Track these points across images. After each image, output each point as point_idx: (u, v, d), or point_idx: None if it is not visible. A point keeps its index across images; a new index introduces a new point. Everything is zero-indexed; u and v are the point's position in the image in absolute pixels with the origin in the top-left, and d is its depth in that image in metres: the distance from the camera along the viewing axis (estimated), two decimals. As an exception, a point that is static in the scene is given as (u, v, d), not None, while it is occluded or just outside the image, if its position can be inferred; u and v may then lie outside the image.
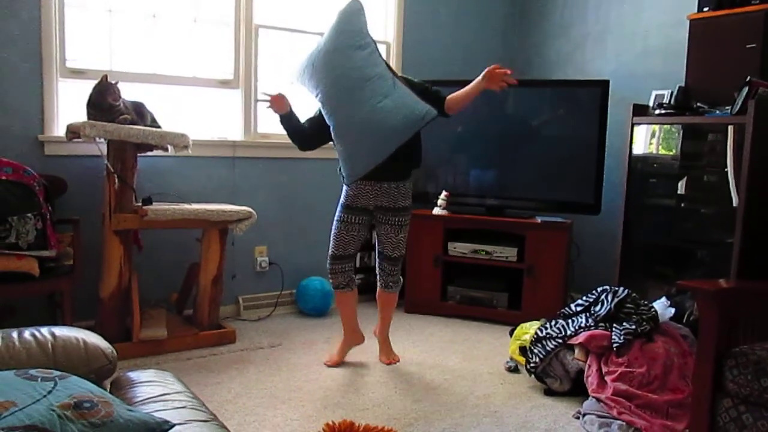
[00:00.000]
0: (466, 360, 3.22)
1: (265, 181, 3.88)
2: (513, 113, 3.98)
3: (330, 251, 3.00)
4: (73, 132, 2.89)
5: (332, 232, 2.99)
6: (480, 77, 2.78)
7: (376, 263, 3.09)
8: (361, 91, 2.69)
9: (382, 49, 4.29)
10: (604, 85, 3.72)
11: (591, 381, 2.66)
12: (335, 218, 2.98)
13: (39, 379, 1.17)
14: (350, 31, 2.74)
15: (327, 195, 3.71)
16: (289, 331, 3.57)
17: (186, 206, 3.18)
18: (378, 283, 3.11)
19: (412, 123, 2.68)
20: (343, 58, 2.71)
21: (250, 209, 3.30)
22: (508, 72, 2.76)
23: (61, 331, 1.46)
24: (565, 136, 3.86)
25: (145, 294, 3.21)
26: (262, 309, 3.91)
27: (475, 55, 4.58)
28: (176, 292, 3.51)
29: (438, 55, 4.42)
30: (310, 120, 2.96)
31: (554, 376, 2.80)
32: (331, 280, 3.05)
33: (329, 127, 2.80)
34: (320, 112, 2.87)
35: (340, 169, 2.91)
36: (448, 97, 2.83)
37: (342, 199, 2.97)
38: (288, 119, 2.92)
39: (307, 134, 2.95)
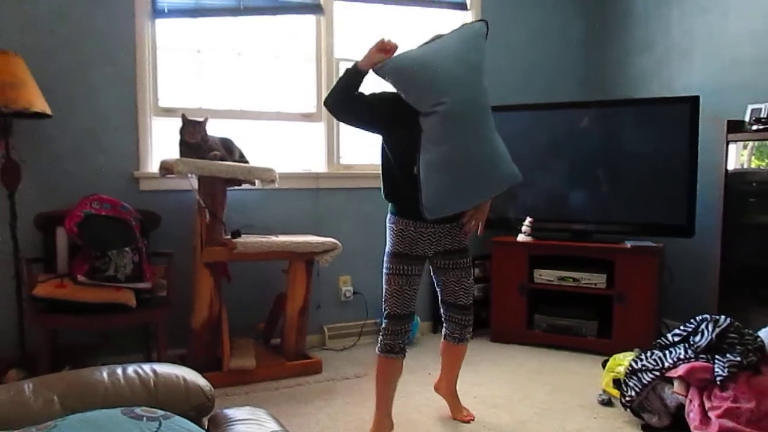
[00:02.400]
0: (556, 392, 3.09)
1: (348, 211, 3.91)
2: (597, 134, 3.85)
3: (389, 310, 2.50)
4: (166, 168, 3.02)
5: (389, 288, 2.49)
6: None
7: (444, 315, 2.67)
8: (488, 122, 2.38)
9: (460, 75, 4.30)
10: (693, 101, 3.55)
11: (693, 417, 2.49)
12: (390, 271, 2.49)
13: (144, 419, 1.19)
14: (482, 56, 2.41)
15: None
16: (374, 361, 3.54)
17: (273, 238, 3.25)
18: (445, 336, 2.70)
19: (511, 178, 2.43)
20: (479, 80, 2.37)
21: (335, 240, 3.33)
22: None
23: (162, 368, 1.49)
24: (652, 156, 3.69)
25: (233, 324, 3.28)
26: (347, 338, 3.92)
27: (553, 76, 4.49)
28: (263, 322, 3.57)
29: (514, 79, 4.36)
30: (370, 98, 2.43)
31: (652, 410, 2.64)
32: (384, 343, 2.52)
33: (377, 125, 2.42)
34: (378, 103, 2.41)
35: (395, 205, 2.50)
36: None
37: (395, 248, 2.48)
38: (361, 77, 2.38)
39: (360, 101, 2.40)
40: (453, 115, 2.27)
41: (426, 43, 2.44)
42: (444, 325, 2.69)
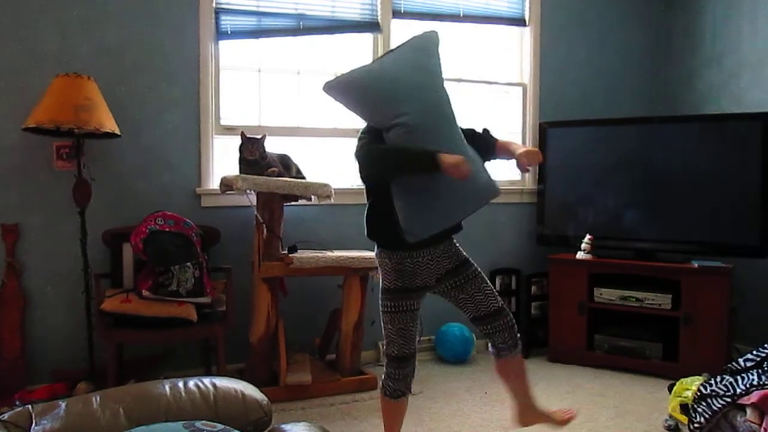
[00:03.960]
0: (619, 416, 2.99)
1: (402, 226, 3.91)
2: (662, 150, 3.73)
3: (393, 352, 2.29)
4: (226, 185, 3.09)
5: (393, 328, 2.28)
6: (519, 151, 2.22)
7: (486, 332, 2.36)
8: (453, 130, 2.16)
9: (517, 91, 4.27)
10: (765, 117, 3.41)
11: (769, 447, 2.36)
12: (391, 309, 2.28)
13: (205, 433, 1.21)
14: (438, 63, 2.24)
15: (463, 239, 3.63)
16: (429, 379, 3.52)
17: (328, 254, 3.27)
18: (498, 354, 2.37)
19: (490, 192, 2.18)
20: (439, 85, 2.19)
21: (389, 256, 3.32)
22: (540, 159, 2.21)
23: (221, 382, 1.52)
24: (721, 173, 3.55)
25: (290, 339, 3.32)
26: (401, 355, 3.89)
27: (616, 91, 4.40)
28: (319, 337, 3.59)
29: (577, 95, 4.29)
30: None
31: (724, 439, 2.52)
32: (393, 389, 2.32)
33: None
34: (372, 138, 2.20)
35: (379, 229, 2.27)
36: (498, 141, 2.34)
37: (393, 283, 2.26)
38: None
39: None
40: (416, 125, 2.07)
41: (378, 59, 2.30)
42: (491, 344, 2.39)
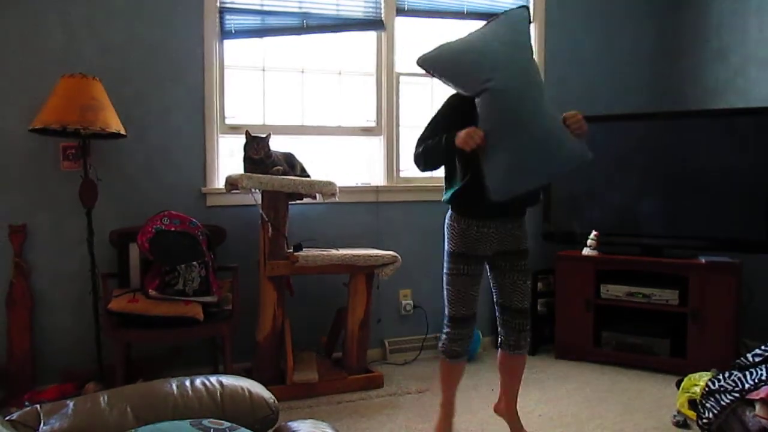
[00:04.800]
0: (628, 412, 2.98)
1: (408, 224, 3.91)
2: (668, 146, 3.71)
3: (454, 312, 2.44)
4: (231, 184, 3.09)
5: (453, 289, 2.44)
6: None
7: (499, 320, 2.53)
8: (544, 98, 2.26)
9: (522, 87, 4.25)
10: (773, 111, 3.39)
11: (778, 442, 2.35)
12: (452, 272, 2.44)
13: (211, 430, 1.22)
14: (528, 37, 2.37)
15: None
16: (435, 376, 3.50)
17: (334, 252, 3.28)
18: (501, 346, 2.54)
19: (580, 155, 2.27)
20: (529, 57, 2.32)
21: (395, 254, 3.33)
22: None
23: (228, 380, 1.52)
24: (728, 168, 3.53)
25: (296, 337, 3.32)
26: (408, 353, 3.90)
27: (623, 87, 4.38)
28: (325, 335, 3.60)
29: (582, 91, 4.27)
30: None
31: (732, 435, 2.51)
32: (450, 349, 2.48)
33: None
34: (435, 126, 2.39)
35: (457, 195, 2.39)
36: None
37: (456, 248, 2.42)
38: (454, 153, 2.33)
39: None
40: (504, 90, 2.18)
41: (467, 35, 2.42)
42: (499, 332, 2.55)
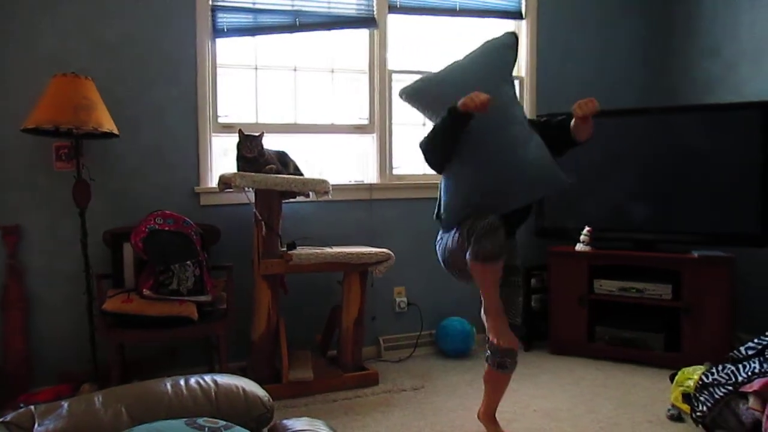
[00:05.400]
0: (622, 406, 3.00)
1: (401, 222, 3.92)
2: (661, 141, 3.73)
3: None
4: (224, 183, 3.09)
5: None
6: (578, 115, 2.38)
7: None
8: (510, 125, 2.34)
9: (515, 84, 4.26)
10: (764, 106, 3.41)
11: (771, 435, 2.37)
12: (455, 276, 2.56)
13: (206, 429, 1.22)
14: (502, 63, 2.46)
15: None
16: (430, 373, 3.53)
17: (327, 250, 3.28)
18: (487, 362, 2.55)
19: (554, 181, 2.33)
20: (493, 86, 2.34)
21: (388, 251, 3.34)
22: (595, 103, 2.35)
23: (223, 379, 1.52)
24: (721, 163, 3.55)
25: (291, 336, 3.32)
26: (403, 350, 3.91)
27: (615, 83, 4.39)
28: (320, 333, 3.60)
29: (574, 87, 4.28)
30: None
31: (726, 427, 2.53)
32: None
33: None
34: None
35: (442, 214, 2.47)
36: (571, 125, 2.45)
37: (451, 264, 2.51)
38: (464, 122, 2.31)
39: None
40: (478, 118, 2.25)
41: (453, 62, 2.52)
42: (487, 346, 2.52)
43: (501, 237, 2.22)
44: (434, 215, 2.54)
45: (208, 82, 3.49)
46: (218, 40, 3.54)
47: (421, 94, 2.46)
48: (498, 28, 4.18)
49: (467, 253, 2.27)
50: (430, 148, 2.40)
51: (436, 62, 3.99)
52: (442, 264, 2.55)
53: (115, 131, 3.03)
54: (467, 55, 2.50)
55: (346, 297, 3.34)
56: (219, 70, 3.57)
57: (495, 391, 2.63)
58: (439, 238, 2.55)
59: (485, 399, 2.67)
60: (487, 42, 2.51)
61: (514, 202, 2.36)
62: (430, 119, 2.43)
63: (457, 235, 2.37)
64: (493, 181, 2.30)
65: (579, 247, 3.80)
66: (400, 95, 2.51)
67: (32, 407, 1.37)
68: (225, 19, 3.52)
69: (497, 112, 2.29)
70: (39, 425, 1.30)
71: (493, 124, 2.31)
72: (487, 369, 2.57)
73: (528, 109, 4.22)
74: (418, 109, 2.51)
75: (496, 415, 2.69)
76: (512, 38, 2.49)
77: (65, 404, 1.38)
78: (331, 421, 1.69)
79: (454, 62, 2.50)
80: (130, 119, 3.30)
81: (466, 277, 2.45)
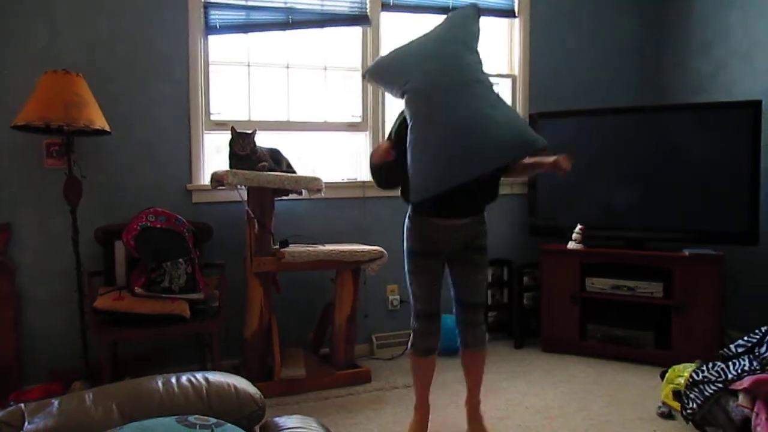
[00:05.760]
0: (613, 404, 3.01)
1: (394, 219, 3.90)
2: (652, 140, 3.74)
3: (419, 308, 2.50)
4: (217, 180, 3.08)
5: (416, 287, 2.50)
6: (550, 161, 2.37)
7: (457, 318, 2.55)
8: (468, 88, 2.19)
9: (507, 82, 4.27)
10: (755, 105, 3.43)
11: (760, 431, 2.38)
12: (411, 270, 2.50)
13: (197, 427, 1.21)
14: (465, 32, 2.34)
15: None
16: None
17: (320, 247, 3.28)
18: (461, 343, 2.57)
19: (520, 144, 2.18)
20: (454, 51, 2.26)
21: (381, 249, 3.34)
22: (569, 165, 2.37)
23: (214, 377, 1.52)
24: (711, 161, 3.57)
25: (283, 334, 3.32)
26: (395, 347, 3.91)
27: (607, 82, 4.41)
28: (312, 331, 3.60)
29: (567, 86, 4.30)
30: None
31: (716, 424, 2.55)
32: (419, 343, 2.53)
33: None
34: (395, 136, 2.39)
35: (404, 190, 2.42)
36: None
37: (414, 246, 2.48)
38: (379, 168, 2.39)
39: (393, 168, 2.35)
40: (419, 89, 2.22)
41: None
42: (458, 330, 2.57)
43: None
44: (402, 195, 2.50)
45: (201, 79, 3.48)
46: (210, 37, 3.52)
47: (384, 70, 2.39)
48: (491, 26, 4.19)
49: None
50: (375, 182, 2.48)
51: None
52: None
53: (107, 128, 3.02)
54: (430, 30, 2.42)
55: (339, 295, 3.34)
56: (211, 67, 3.55)
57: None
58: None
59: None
60: (449, 15, 2.43)
61: (486, 163, 2.19)
62: (394, 95, 2.35)
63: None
64: (459, 142, 2.15)
65: (571, 245, 3.82)
66: (364, 76, 2.47)
67: (22, 405, 1.36)
68: (217, 16, 3.51)
69: (458, 73, 2.22)
70: (29, 423, 1.29)
71: (454, 87, 2.20)
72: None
73: (521, 106, 4.23)
74: (383, 87, 2.44)
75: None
76: (474, 9, 2.40)
77: (56, 402, 1.37)
78: (323, 419, 1.70)
79: (417, 37, 2.41)
80: (122, 116, 3.29)
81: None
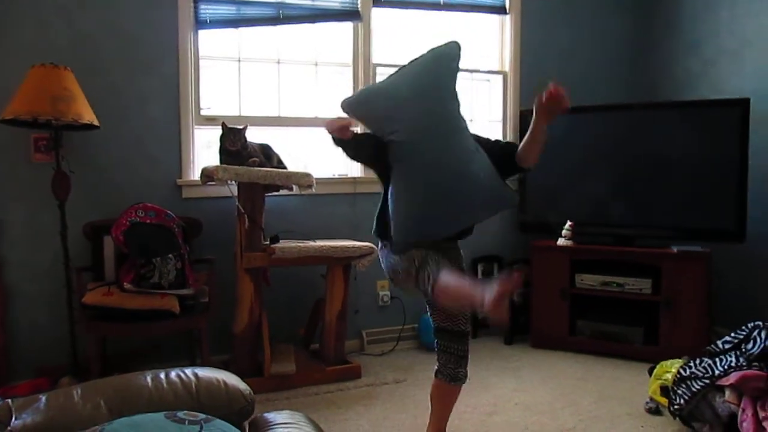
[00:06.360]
0: (602, 400, 3.03)
1: (385, 215, 3.92)
2: (641, 137, 3.76)
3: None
4: (207, 176, 3.07)
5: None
6: (534, 115, 2.26)
7: (438, 346, 2.38)
8: (453, 140, 2.17)
9: (498, 79, 4.28)
10: (743, 103, 3.45)
11: (746, 427, 2.40)
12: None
13: (186, 422, 1.21)
14: (448, 74, 2.27)
15: None
16: (412, 366, 3.55)
17: (311, 243, 3.27)
18: (437, 373, 2.39)
19: (499, 200, 2.21)
20: (438, 100, 2.22)
21: (371, 245, 3.33)
22: (558, 92, 2.22)
23: (204, 372, 1.51)
24: (700, 159, 3.59)
25: (273, 329, 3.31)
26: (385, 343, 3.92)
27: (598, 79, 4.42)
28: (303, 327, 3.60)
29: (558, 83, 4.30)
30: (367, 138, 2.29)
31: (703, 420, 2.56)
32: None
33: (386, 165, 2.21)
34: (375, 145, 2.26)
35: (382, 233, 2.30)
36: (519, 148, 2.29)
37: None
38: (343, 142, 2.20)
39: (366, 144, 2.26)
40: (406, 142, 2.13)
41: (395, 72, 2.33)
42: (437, 358, 2.39)
43: (447, 263, 2.14)
44: (373, 230, 2.38)
45: (191, 74, 3.46)
46: (201, 32, 3.50)
47: (357, 107, 2.30)
48: (482, 22, 4.20)
49: (419, 285, 2.14)
50: (350, 155, 2.28)
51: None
52: (386, 275, 2.39)
53: (96, 123, 2.99)
54: (411, 64, 2.31)
55: (330, 291, 3.34)
56: (202, 62, 3.53)
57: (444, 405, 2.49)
58: (381, 246, 2.39)
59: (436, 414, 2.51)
60: (432, 51, 2.32)
61: (466, 221, 2.22)
62: (373, 132, 2.26)
63: (403, 263, 2.20)
64: (444, 200, 2.13)
65: (561, 241, 3.83)
66: (342, 106, 2.33)
67: (9, 401, 1.35)
68: (208, 11, 3.49)
69: (443, 127, 2.18)
70: (16, 419, 1.28)
71: (440, 141, 2.16)
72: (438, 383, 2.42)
73: (512, 103, 4.24)
74: (361, 124, 2.36)
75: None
76: (457, 48, 2.31)
77: (43, 398, 1.36)
78: (313, 415, 1.70)
79: (397, 72, 2.31)
80: (111, 111, 3.26)
81: (412, 293, 2.32)
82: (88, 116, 2.95)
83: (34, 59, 2.99)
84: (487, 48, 4.27)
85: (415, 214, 2.14)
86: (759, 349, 2.57)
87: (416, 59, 2.30)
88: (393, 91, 2.24)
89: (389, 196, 2.19)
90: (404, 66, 2.31)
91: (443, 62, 2.28)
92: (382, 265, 2.37)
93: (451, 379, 2.34)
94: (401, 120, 2.15)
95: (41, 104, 2.81)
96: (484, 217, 2.24)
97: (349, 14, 3.80)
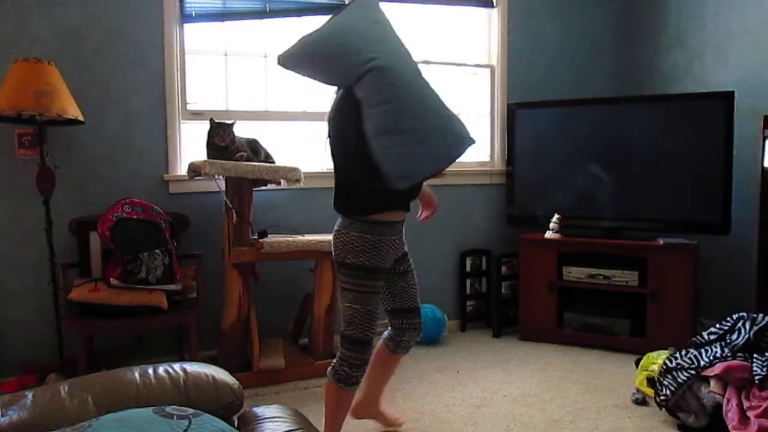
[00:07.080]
0: (588, 391, 3.05)
1: (373, 210, 3.91)
2: (627, 130, 3.79)
3: (358, 335, 2.18)
4: (194, 170, 3.05)
5: (360, 309, 2.17)
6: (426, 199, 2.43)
7: (403, 324, 2.38)
8: (422, 73, 2.08)
9: (485, 72, 4.28)
10: (728, 96, 3.48)
11: (731, 417, 2.44)
12: (363, 289, 2.16)
13: (174, 417, 1.21)
14: (384, 15, 2.18)
15: (432, 221, 3.55)
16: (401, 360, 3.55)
17: (299, 238, 3.27)
18: (391, 348, 2.42)
19: (469, 136, 2.08)
20: (392, 33, 2.13)
21: (360, 239, 3.33)
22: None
23: (192, 368, 1.51)
24: (685, 152, 3.62)
25: (262, 324, 3.31)
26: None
27: (583, 72, 4.44)
28: (292, 322, 3.59)
29: (544, 76, 4.33)
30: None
31: (688, 410, 2.59)
32: (346, 374, 2.21)
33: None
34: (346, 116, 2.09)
35: (368, 180, 2.05)
36: None
37: (369, 261, 2.13)
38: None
39: None
40: (390, 65, 1.96)
41: (324, 23, 2.16)
42: (395, 334, 2.40)
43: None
44: (336, 206, 2.25)
45: (177, 68, 3.44)
46: (186, 26, 3.47)
47: (329, 49, 2.07)
48: (468, 15, 4.19)
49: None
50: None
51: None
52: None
53: (80, 117, 2.96)
54: (341, 13, 2.14)
55: (318, 285, 3.33)
56: (188, 56, 3.51)
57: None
58: (343, 224, 2.21)
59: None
60: (355, 1, 2.18)
61: (457, 152, 2.04)
62: (319, 80, 2.14)
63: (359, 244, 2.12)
64: (439, 128, 2.00)
65: (548, 234, 3.85)
66: (280, 62, 2.15)
67: (-5, 398, 1.34)
68: (193, 4, 3.46)
69: (412, 62, 2.09)
70: (2, 415, 1.28)
71: (418, 71, 2.07)
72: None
73: (499, 97, 4.25)
74: (305, 74, 2.17)
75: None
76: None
77: (30, 394, 1.35)
78: (301, 409, 1.70)
79: (329, 22, 2.13)
80: (96, 105, 3.23)
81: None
82: (73, 111, 2.92)
83: (16, 54, 2.95)
84: (473, 41, 4.27)
85: (416, 145, 1.94)
86: (743, 340, 2.61)
87: (345, 9, 2.15)
88: (350, 27, 2.07)
89: (373, 136, 1.95)
90: (331, 18, 2.14)
91: (377, 6, 2.19)
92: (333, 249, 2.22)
93: (405, 348, 2.44)
94: (376, 48, 2.01)
95: (24, 99, 2.77)
96: (458, 155, 2.04)
97: (335, 8, 3.78)
